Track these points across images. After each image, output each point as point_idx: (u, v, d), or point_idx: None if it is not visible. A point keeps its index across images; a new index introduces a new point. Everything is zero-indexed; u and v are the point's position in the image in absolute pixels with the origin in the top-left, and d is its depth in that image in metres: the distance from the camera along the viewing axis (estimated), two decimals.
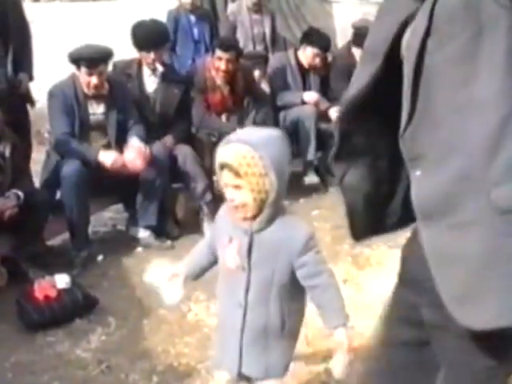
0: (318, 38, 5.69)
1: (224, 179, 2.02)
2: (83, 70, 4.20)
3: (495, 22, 1.26)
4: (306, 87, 5.77)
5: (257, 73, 5.49)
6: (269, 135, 2.03)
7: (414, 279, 1.53)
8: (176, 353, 3.09)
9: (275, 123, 5.52)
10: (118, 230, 4.80)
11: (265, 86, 5.61)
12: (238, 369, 2.13)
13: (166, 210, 4.68)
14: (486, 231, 1.31)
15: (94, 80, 4.21)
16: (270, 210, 2.02)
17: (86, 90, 4.27)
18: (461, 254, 1.34)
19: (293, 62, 5.72)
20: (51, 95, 4.33)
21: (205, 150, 4.81)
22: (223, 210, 2.19)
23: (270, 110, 5.43)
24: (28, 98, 4.65)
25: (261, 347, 2.11)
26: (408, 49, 1.40)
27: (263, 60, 5.73)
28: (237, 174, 1.96)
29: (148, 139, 4.52)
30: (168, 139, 4.75)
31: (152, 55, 4.71)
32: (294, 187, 5.62)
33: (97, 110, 4.36)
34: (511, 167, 1.29)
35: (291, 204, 5.16)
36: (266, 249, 2.05)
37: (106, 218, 4.93)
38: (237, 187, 1.99)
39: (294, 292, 2.10)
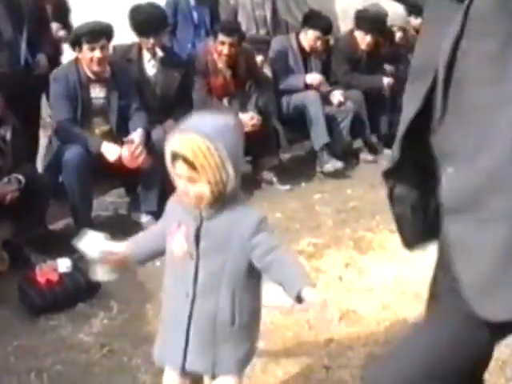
0: (318, 20, 5.67)
1: (178, 170, 1.95)
2: (85, 46, 4.19)
3: None
4: (307, 71, 5.76)
5: (259, 58, 5.47)
6: (224, 124, 1.95)
7: (446, 264, 1.53)
8: None
9: (277, 107, 5.51)
10: (119, 215, 4.80)
11: (267, 71, 5.59)
12: (181, 363, 2.06)
13: (168, 194, 4.66)
14: (505, 228, 1.33)
15: (97, 54, 4.19)
16: (225, 200, 1.96)
17: (88, 72, 4.27)
18: (483, 245, 1.36)
19: (294, 45, 5.70)
20: (54, 80, 4.32)
21: None
22: (173, 198, 2.13)
23: (272, 94, 5.42)
24: (46, 79, 4.63)
25: (208, 341, 2.04)
26: (442, 49, 1.40)
27: (266, 45, 5.70)
28: (192, 167, 1.89)
29: (149, 124, 4.51)
30: (169, 124, 4.73)
31: (151, 40, 4.70)
32: (295, 171, 5.68)
33: (99, 94, 4.35)
34: None
35: (293, 188, 5.17)
36: (215, 236, 1.99)
37: (108, 202, 4.92)
38: (192, 180, 1.92)
39: (246, 284, 2.03)
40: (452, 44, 1.36)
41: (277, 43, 5.76)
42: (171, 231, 2.06)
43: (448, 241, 1.46)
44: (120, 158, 4.16)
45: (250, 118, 4.93)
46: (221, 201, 1.96)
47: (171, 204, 2.14)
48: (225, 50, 4.95)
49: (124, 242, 2.27)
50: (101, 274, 2.26)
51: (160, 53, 4.81)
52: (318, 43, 5.67)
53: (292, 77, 5.63)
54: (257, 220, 1.98)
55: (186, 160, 1.89)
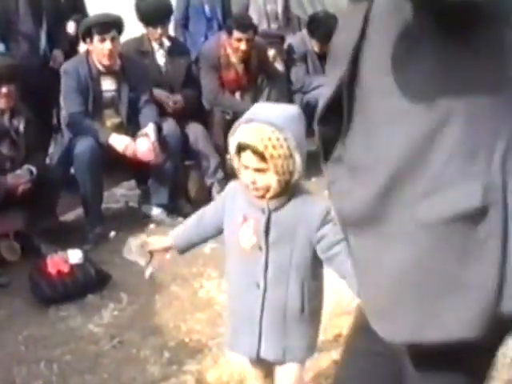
0: (317, 29, 5.45)
1: (245, 161, 1.94)
2: (96, 38, 4.19)
3: (422, 28, 1.21)
4: (324, 71, 5.69)
5: (272, 52, 5.44)
6: (291, 114, 1.95)
7: None
8: (187, 329, 3.11)
9: (289, 102, 5.48)
10: (130, 207, 4.82)
11: (279, 66, 5.56)
12: (257, 352, 2.07)
13: (179, 187, 4.68)
14: (408, 245, 1.28)
15: (108, 45, 4.19)
16: (291, 190, 1.98)
17: (99, 65, 4.27)
18: (382, 266, 1.32)
19: (310, 47, 5.61)
20: (65, 72, 4.32)
21: (217, 128, 4.81)
22: (234, 188, 2.11)
23: (284, 89, 5.39)
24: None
25: (279, 330, 2.05)
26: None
27: (279, 39, 5.67)
28: (261, 157, 1.88)
29: (160, 115, 4.54)
30: (176, 97, 4.81)
31: (159, 30, 4.74)
32: (306, 166, 5.65)
33: (109, 86, 4.36)
34: (436, 182, 1.25)
35: (303, 183, 5.16)
36: (283, 227, 2.00)
37: (119, 194, 4.94)
38: (260, 170, 1.91)
39: (312, 272, 2.05)
40: (353, 50, 1.31)
41: (296, 45, 5.66)
42: (235, 224, 2.05)
43: (352, 257, 1.42)
44: (129, 150, 4.17)
45: None
46: (287, 191, 1.97)
47: (232, 194, 2.11)
48: (242, 46, 4.91)
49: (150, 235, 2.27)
50: (137, 257, 2.24)
51: (167, 42, 4.85)
52: (325, 48, 5.60)
53: (320, 77, 5.53)
54: (324, 211, 1.97)
55: (255, 151, 1.88)
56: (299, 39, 5.76)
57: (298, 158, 1.90)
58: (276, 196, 1.97)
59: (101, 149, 4.13)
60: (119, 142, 4.18)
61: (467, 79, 1.23)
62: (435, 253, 1.26)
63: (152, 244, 2.22)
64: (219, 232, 2.15)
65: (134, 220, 4.51)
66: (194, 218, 2.24)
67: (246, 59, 5.06)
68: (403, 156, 1.26)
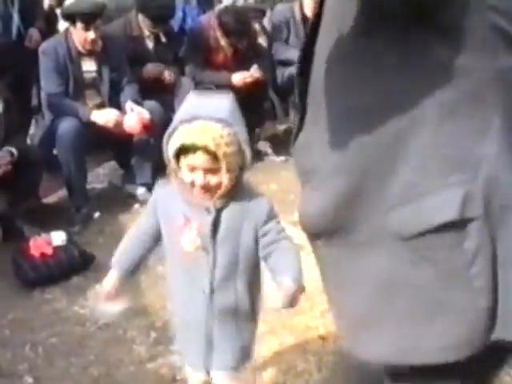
0: None
1: (194, 162, 1.78)
2: (79, 25, 4.11)
3: (377, 19, 1.08)
4: None
5: (256, 27, 5.38)
6: (232, 105, 1.81)
7: None
8: None
9: (273, 78, 5.44)
10: (114, 187, 4.76)
11: (262, 41, 5.49)
12: (204, 364, 1.95)
13: (163, 166, 4.63)
14: (385, 256, 1.15)
15: (91, 35, 4.13)
16: (238, 185, 1.86)
17: (80, 47, 4.20)
18: (357, 278, 1.20)
19: (298, 16, 5.47)
20: (43, 53, 4.24)
21: None
22: (164, 190, 1.98)
23: (268, 64, 5.33)
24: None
25: (233, 332, 1.94)
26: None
27: (261, 13, 5.59)
28: (213, 157, 1.74)
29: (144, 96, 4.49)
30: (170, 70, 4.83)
31: (160, 28, 4.76)
32: (290, 143, 5.63)
33: (90, 67, 4.29)
34: (407, 190, 1.12)
35: (288, 160, 5.13)
36: (230, 225, 1.87)
37: (102, 174, 4.90)
38: (212, 171, 1.77)
39: (258, 271, 1.96)
40: (306, 43, 1.22)
41: (278, 13, 5.59)
42: (177, 227, 1.89)
43: (320, 269, 1.30)
44: (111, 121, 4.11)
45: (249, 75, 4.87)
46: (235, 188, 1.85)
47: (168, 196, 1.96)
48: (238, 45, 4.92)
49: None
50: (108, 314, 2.17)
51: (163, 39, 4.83)
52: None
53: (293, 49, 5.47)
54: (268, 206, 1.90)
55: (207, 151, 1.74)
56: (286, 8, 5.63)
57: (248, 152, 1.79)
58: (225, 194, 1.84)
59: (84, 128, 4.07)
60: (101, 116, 4.12)
61: (434, 72, 1.08)
62: (413, 268, 1.13)
63: (103, 288, 2.05)
64: (159, 240, 1.99)
65: (118, 200, 4.46)
66: (130, 236, 2.06)
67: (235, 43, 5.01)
68: (367, 160, 1.13)
